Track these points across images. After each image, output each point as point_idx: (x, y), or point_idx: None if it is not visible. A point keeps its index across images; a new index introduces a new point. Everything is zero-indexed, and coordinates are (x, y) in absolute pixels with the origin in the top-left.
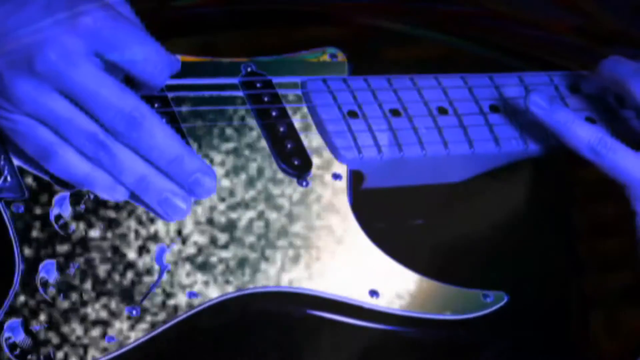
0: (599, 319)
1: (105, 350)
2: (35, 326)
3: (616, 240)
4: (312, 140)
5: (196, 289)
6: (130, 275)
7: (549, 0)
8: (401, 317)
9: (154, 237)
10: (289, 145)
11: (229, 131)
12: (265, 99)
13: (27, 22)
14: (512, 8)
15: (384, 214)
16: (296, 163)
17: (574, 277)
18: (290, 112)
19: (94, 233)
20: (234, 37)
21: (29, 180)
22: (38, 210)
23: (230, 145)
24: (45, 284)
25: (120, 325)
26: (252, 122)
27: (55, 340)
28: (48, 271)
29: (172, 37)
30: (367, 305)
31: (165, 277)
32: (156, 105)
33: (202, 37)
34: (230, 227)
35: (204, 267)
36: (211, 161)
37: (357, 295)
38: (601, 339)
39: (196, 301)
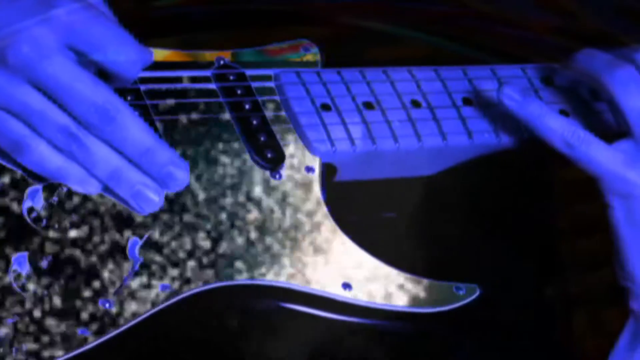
0: (578, 315)
1: (79, 343)
2: (8, 319)
3: (594, 237)
4: (285, 133)
5: (169, 282)
6: (103, 268)
7: (532, 0)
8: (374, 309)
9: (127, 230)
10: (262, 138)
11: (201, 124)
12: (239, 91)
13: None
14: (495, 8)
15: (357, 207)
16: (269, 156)
17: (549, 270)
18: (263, 104)
19: (67, 226)
20: (216, 36)
21: (1, 172)
22: (10, 203)
23: (203, 138)
24: (17, 277)
25: (93, 318)
26: (225, 114)
27: (28, 333)
28: (20, 264)
29: (154, 37)
30: (340, 298)
31: (138, 270)
32: (129, 98)
33: (183, 37)
34: (202, 220)
35: (177, 260)
36: (184, 154)
37: (330, 288)
38: (582, 334)
39: (169, 294)
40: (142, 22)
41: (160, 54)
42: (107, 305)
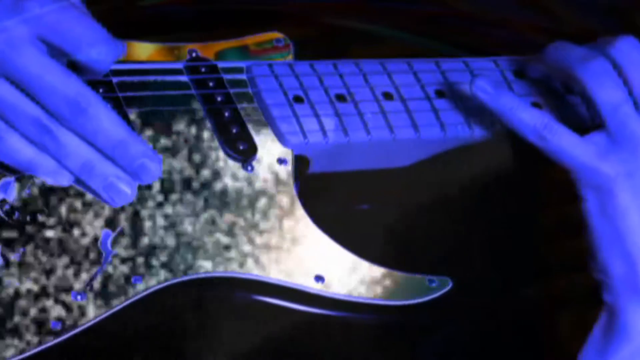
0: (563, 315)
1: (51, 336)
2: None
3: (578, 236)
4: (257, 125)
5: (141, 274)
6: (75, 260)
7: (516, 0)
8: (347, 302)
9: (100, 223)
10: (234, 130)
11: (173, 116)
12: (210, 83)
13: None
14: (478, 8)
15: (329, 199)
16: (241, 148)
17: (528, 264)
18: (235, 97)
19: (40, 219)
20: (199, 36)
21: None
22: None
23: (175, 130)
24: None
25: (66, 311)
26: (196, 107)
27: None
28: None
29: (139, 36)
30: (313, 290)
31: (110, 262)
32: (101, 90)
33: (168, 37)
34: (175, 212)
35: (149, 252)
36: (156, 146)
37: (303, 280)
38: (567, 335)
39: (141, 287)
40: (127, 21)
41: (134, 47)
42: (79, 298)
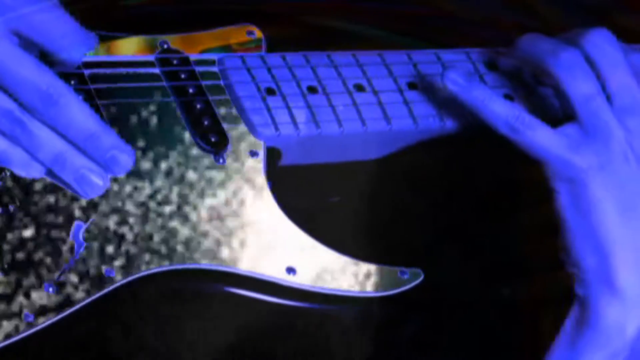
0: (543, 314)
1: (21, 327)
2: None
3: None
4: (229, 117)
5: (112, 266)
6: (47, 252)
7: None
8: (318, 294)
9: (71, 214)
10: (205, 122)
11: (145, 108)
12: (182, 75)
13: None
14: (463, 8)
15: (301, 191)
16: (213, 140)
17: (498, 257)
18: (207, 89)
19: (11, 210)
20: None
21: None
22: None
23: (146, 122)
24: None
25: (37, 303)
26: (168, 99)
27: None
28: None
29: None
30: (284, 282)
31: (81, 254)
32: (72, 82)
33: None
34: (146, 204)
35: (121, 244)
36: (128, 138)
37: (274, 272)
38: (546, 334)
39: (113, 279)
40: (112, 20)
41: (106, 39)
42: (50, 290)
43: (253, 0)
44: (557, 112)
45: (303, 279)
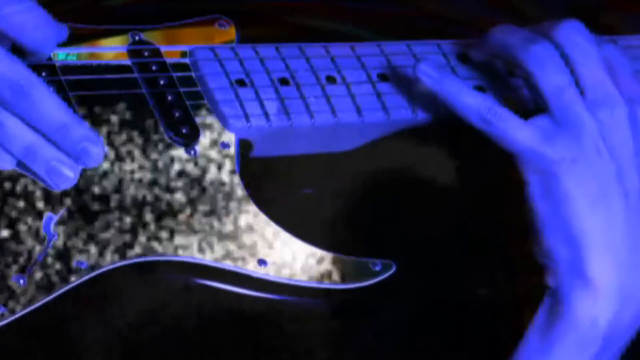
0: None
1: None
2: None
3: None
4: (200, 108)
5: (84, 258)
6: (17, 244)
7: (484, 0)
8: (289, 286)
9: (42, 206)
10: (176, 114)
11: (116, 100)
12: (153, 67)
13: None
14: (448, 8)
15: (272, 183)
16: (184, 131)
17: (472, 248)
18: (178, 80)
19: None
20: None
21: None
22: None
23: (117, 114)
24: None
25: (7, 295)
26: (139, 90)
27: None
28: None
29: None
30: (255, 274)
31: (52, 246)
32: (44, 74)
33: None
34: (117, 196)
35: (92, 236)
36: (99, 130)
37: (245, 264)
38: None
39: (84, 271)
40: (94, 20)
41: (78, 31)
42: (21, 281)
43: (235, 0)
44: (529, 103)
45: (274, 271)
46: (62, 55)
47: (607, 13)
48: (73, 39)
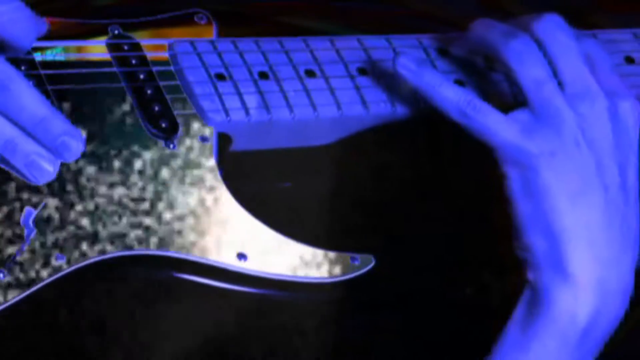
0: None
1: None
2: None
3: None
4: (179, 102)
5: (63, 252)
6: None
7: (475, 0)
8: (269, 280)
9: (22, 200)
10: (156, 108)
11: (96, 94)
12: (133, 61)
13: None
14: (438, 8)
15: (252, 177)
16: (163, 125)
17: (452, 243)
18: (157, 74)
19: None
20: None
21: None
22: None
23: (97, 108)
24: None
25: None
26: (119, 84)
27: None
28: None
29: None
30: (235, 268)
31: (32, 240)
32: (23, 68)
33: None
34: (96, 190)
35: (71, 230)
36: (78, 124)
37: (225, 258)
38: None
39: (63, 265)
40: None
41: (57, 25)
42: (1, 275)
43: (228, 1)
44: (509, 97)
45: (254, 265)
46: (51, 55)
47: (595, 13)
48: (52, 34)
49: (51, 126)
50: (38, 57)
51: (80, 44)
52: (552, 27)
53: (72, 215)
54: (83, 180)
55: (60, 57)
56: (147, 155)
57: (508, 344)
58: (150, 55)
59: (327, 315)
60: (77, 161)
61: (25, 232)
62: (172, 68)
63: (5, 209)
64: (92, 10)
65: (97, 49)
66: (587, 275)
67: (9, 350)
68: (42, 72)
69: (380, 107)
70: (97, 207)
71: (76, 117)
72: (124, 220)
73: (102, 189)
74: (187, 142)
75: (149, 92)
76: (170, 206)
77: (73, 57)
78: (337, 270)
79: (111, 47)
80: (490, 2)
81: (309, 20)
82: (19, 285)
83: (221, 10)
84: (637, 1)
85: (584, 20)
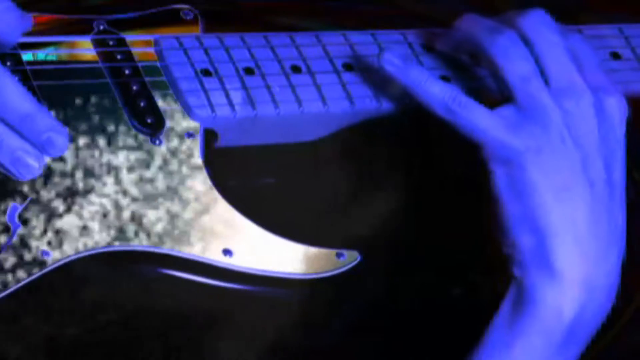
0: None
1: None
2: None
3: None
4: (165, 98)
5: (49, 248)
6: None
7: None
8: (255, 276)
9: (7, 196)
10: (141, 104)
11: (81, 90)
12: (118, 56)
13: None
14: (428, 8)
15: (238, 173)
16: (149, 121)
17: (435, 239)
18: (143, 70)
19: None
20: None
21: None
22: None
23: (82, 104)
24: None
25: None
26: (104, 80)
27: None
28: None
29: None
30: (221, 264)
31: (17, 236)
32: (8, 63)
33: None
34: (82, 185)
35: (57, 226)
36: (64, 120)
37: (210, 254)
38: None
39: (49, 260)
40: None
41: (43, 20)
42: None
43: (218, 1)
44: (495, 93)
45: (239, 261)
46: (42, 56)
47: (586, 13)
48: (37, 29)
49: (36, 122)
50: (29, 57)
51: (66, 39)
52: (537, 23)
53: (57, 210)
54: (68, 176)
55: (52, 56)
56: (133, 151)
57: (494, 341)
58: (135, 51)
59: (313, 311)
60: (62, 157)
61: (11, 228)
62: (157, 64)
63: None
64: (83, 11)
65: (82, 45)
66: (573, 272)
67: None
68: (28, 67)
69: (365, 102)
70: (82, 203)
71: (61, 113)
72: (109, 216)
73: (88, 185)
74: (173, 138)
75: (134, 87)
76: (156, 202)
77: (64, 54)
78: (323, 266)
79: (96, 43)
80: (482, 1)
81: (297, 19)
82: (3, 282)
83: (209, 10)
84: (626, 1)
85: (576, 20)
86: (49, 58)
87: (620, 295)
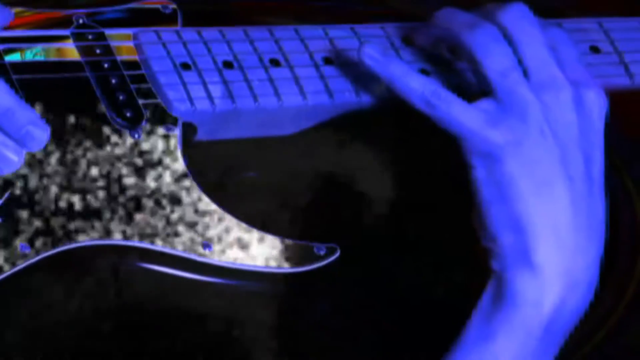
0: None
1: None
2: None
3: None
4: (144, 92)
5: (29, 242)
6: None
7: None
8: (234, 269)
9: None
10: (120, 97)
11: (60, 83)
12: (97, 50)
13: None
14: (417, 8)
15: (217, 167)
16: (128, 115)
17: (418, 233)
18: (122, 64)
19: None
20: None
21: None
22: None
23: (62, 98)
24: None
25: None
26: (83, 74)
27: None
28: None
29: None
30: (200, 258)
31: None
32: None
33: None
34: (61, 179)
35: (37, 220)
36: (43, 114)
37: (189, 248)
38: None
39: (29, 254)
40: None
41: (23, 14)
42: None
43: (203, 1)
44: (474, 87)
45: (219, 255)
46: (30, 55)
47: (576, 14)
48: (17, 22)
49: (16, 116)
50: (17, 59)
51: (45, 33)
52: (517, 16)
53: (36, 204)
54: (48, 169)
55: (40, 57)
56: (112, 144)
57: (473, 335)
58: (114, 44)
59: (291, 305)
60: (42, 150)
61: None
62: (137, 57)
63: None
64: (71, 10)
65: (61, 39)
66: (552, 266)
67: None
68: (7, 61)
69: (345, 96)
70: (62, 196)
71: (41, 107)
72: (90, 209)
73: (67, 179)
74: (152, 131)
75: (113, 81)
76: (135, 195)
77: (47, 49)
78: (302, 259)
79: (75, 37)
80: (469, 1)
81: (285, 19)
82: None
83: (195, 10)
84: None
85: (557, 14)
86: (37, 59)
87: (610, 293)
